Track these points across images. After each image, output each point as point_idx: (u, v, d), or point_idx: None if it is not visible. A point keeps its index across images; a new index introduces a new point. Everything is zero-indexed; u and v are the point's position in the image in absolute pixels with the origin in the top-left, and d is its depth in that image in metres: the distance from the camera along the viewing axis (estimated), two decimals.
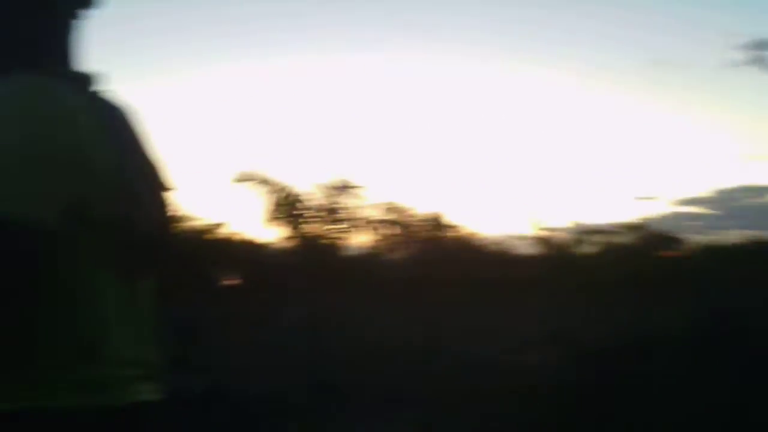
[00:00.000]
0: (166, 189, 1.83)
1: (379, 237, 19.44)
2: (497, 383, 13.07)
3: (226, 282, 33.96)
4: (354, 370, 16.00)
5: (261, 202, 17.23)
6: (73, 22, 1.79)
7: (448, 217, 24.05)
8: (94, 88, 1.72)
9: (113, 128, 1.71)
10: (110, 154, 1.64)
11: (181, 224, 20.46)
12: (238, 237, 25.69)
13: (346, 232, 18.43)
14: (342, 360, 17.11)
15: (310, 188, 17.74)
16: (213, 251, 23.61)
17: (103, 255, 1.63)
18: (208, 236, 23.43)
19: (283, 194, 17.12)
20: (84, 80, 1.72)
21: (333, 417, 10.64)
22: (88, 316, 1.61)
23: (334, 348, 17.71)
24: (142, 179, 1.75)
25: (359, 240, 19.21)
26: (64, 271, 1.54)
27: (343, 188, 17.64)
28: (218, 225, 23.67)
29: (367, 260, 25.60)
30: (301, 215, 17.47)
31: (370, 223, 18.87)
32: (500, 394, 11.72)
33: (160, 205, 1.82)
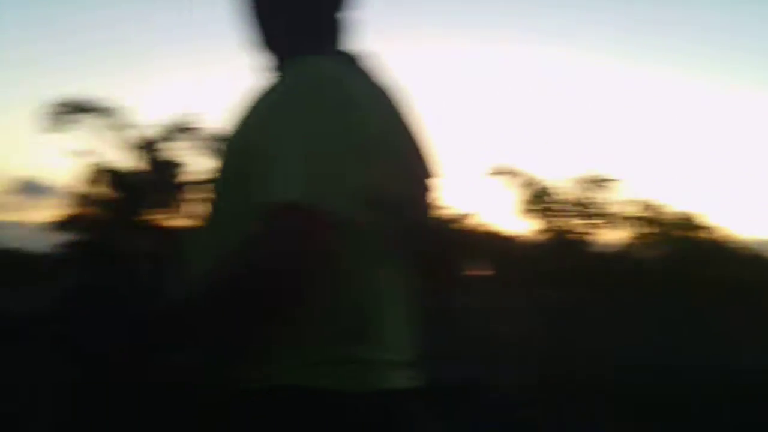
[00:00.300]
0: (432, 174, 1.82)
1: (631, 234, 19.20)
2: (752, 389, 12.62)
3: (475, 272, 34.43)
4: (595, 368, 15.85)
5: (512, 194, 17.50)
6: (342, 5, 1.82)
7: (703, 217, 23.34)
8: (370, 69, 1.73)
9: (394, 111, 1.74)
10: (395, 138, 1.68)
11: (442, 211, 20.99)
12: (488, 228, 26.10)
13: (597, 227, 18.34)
14: (586, 357, 16.99)
15: (562, 182, 17.83)
16: (464, 241, 24.03)
17: (381, 239, 1.63)
18: (459, 226, 23.88)
19: (535, 187, 17.25)
20: (361, 61, 1.74)
21: (577, 413, 10.61)
22: (361, 299, 1.62)
23: (579, 343, 17.60)
24: (417, 163, 1.78)
25: (610, 236, 19.06)
26: (348, 254, 1.54)
27: (596, 183, 17.56)
28: (469, 215, 24.13)
29: (617, 257, 25.27)
30: (552, 209, 17.54)
31: (623, 220, 18.65)
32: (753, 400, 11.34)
33: (428, 191, 1.83)
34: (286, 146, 1.51)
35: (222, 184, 1.73)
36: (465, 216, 23.87)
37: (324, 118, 1.52)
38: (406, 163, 1.72)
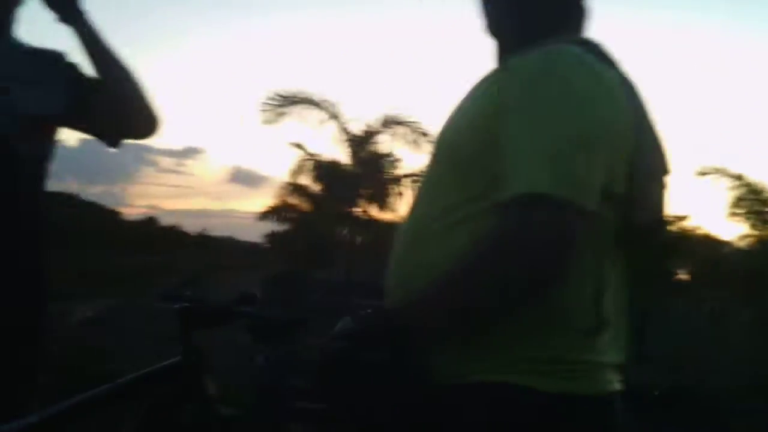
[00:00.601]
0: (666, 172, 1.75)
1: None
2: None
3: (681, 276, 33.17)
4: None
5: (724, 195, 16.89)
6: None
7: None
8: (612, 57, 1.67)
9: (638, 103, 1.69)
10: (639, 132, 1.63)
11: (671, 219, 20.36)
12: (696, 231, 25.17)
13: None
14: None
15: None
16: (671, 244, 23.33)
17: (611, 236, 1.59)
18: (673, 228, 23.18)
19: (747, 189, 16.60)
20: (603, 50, 1.68)
21: None
22: (591, 297, 1.56)
23: None
24: (654, 159, 1.72)
25: None
26: (584, 250, 1.48)
27: None
28: (679, 217, 23.36)
29: None
30: (764, 212, 16.83)
31: None
32: None
33: (662, 188, 1.76)
34: (532, 138, 1.46)
35: (436, 175, 1.70)
36: (679, 217, 23.17)
37: (573, 109, 1.48)
38: (646, 158, 1.66)
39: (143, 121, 2.66)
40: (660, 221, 1.77)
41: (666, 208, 1.78)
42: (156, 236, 52.63)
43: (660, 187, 1.74)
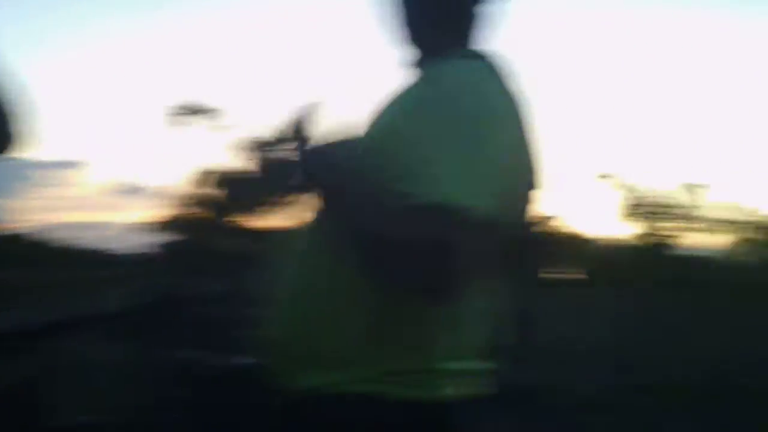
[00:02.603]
0: (539, 187, 1.76)
1: (723, 238, 18.80)
2: None
3: (567, 275, 34.05)
4: (671, 371, 15.48)
5: (610, 198, 17.34)
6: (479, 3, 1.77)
7: None
8: (504, 71, 1.66)
9: (521, 121, 1.67)
10: (519, 149, 1.64)
11: (541, 221, 20.81)
12: (580, 232, 25.77)
13: (690, 231, 18.01)
14: (664, 359, 16.60)
15: (660, 187, 17.56)
16: (556, 245, 23.82)
17: (493, 247, 1.57)
18: (552, 230, 23.68)
19: (635, 192, 17.05)
20: (497, 63, 1.68)
21: (649, 417, 10.41)
22: (450, 311, 1.56)
23: (660, 347, 17.21)
24: (529, 174, 1.72)
25: (703, 240, 18.69)
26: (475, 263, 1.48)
27: (695, 187, 17.27)
28: (558, 219, 23.85)
29: (709, 261, 24.69)
30: (651, 213, 17.30)
31: (716, 224, 18.28)
32: None
33: (530, 202, 1.76)
34: (426, 150, 1.46)
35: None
36: (557, 219, 23.66)
37: (461, 125, 1.48)
38: (524, 174, 1.67)
39: None
40: (528, 234, 1.81)
41: (533, 224, 1.79)
42: (22, 251, 50.92)
43: (530, 202, 1.73)
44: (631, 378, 13.43)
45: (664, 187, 17.24)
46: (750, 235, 19.33)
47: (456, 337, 1.59)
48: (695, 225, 17.52)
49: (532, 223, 1.81)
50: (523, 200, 1.70)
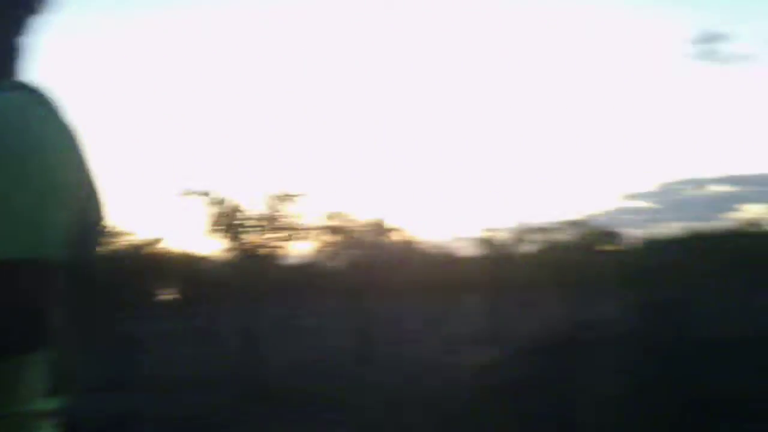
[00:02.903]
0: (102, 218, 1.67)
1: (321, 245, 19.33)
2: (438, 383, 13.07)
3: (166, 296, 33.57)
4: (291, 378, 15.96)
5: (201, 214, 16.99)
6: (20, 29, 1.67)
7: (390, 222, 24.08)
8: (50, 101, 1.55)
9: (74, 149, 1.57)
10: (76, 180, 1.54)
11: (117, 242, 20.17)
12: (177, 251, 25.44)
13: (287, 241, 18.25)
14: (279, 368, 17.04)
15: (249, 198, 17.57)
16: (152, 266, 23.30)
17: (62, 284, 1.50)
18: (148, 251, 23.11)
19: (223, 205, 16.87)
20: (42, 93, 1.56)
21: (268, 426, 10.55)
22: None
23: (272, 357, 17.62)
24: (88, 210, 1.61)
25: (301, 249, 19.07)
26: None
27: (284, 197, 17.47)
28: (157, 239, 23.40)
29: (308, 268, 25.48)
30: (240, 226, 17.24)
31: (311, 232, 18.75)
32: (441, 394, 11.67)
33: (98, 235, 1.68)
34: None
35: None
36: (154, 240, 23.13)
37: (10, 162, 1.37)
38: (87, 208, 1.57)
39: None
40: (94, 266, 1.68)
41: (100, 254, 1.73)
42: None
43: (97, 235, 1.65)
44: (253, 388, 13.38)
45: (255, 198, 17.22)
46: (347, 237, 20.01)
47: (27, 379, 1.50)
48: (291, 234, 17.72)
49: (100, 257, 1.81)
50: (93, 232, 1.64)
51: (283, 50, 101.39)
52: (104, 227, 1.70)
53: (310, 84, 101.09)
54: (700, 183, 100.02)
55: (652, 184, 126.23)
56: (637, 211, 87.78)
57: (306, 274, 28.73)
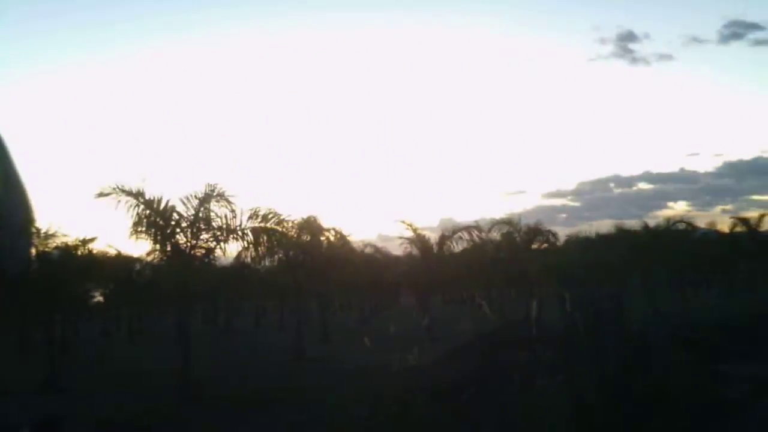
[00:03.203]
0: (31, 223, 1.71)
1: (250, 244, 19.24)
2: (372, 382, 13.15)
3: (96, 297, 33.09)
4: (224, 378, 15.88)
5: (128, 215, 16.72)
6: None
7: (320, 221, 24.05)
8: None
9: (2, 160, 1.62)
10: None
11: (45, 239, 19.81)
12: (110, 252, 25.11)
13: (216, 241, 18.11)
14: (212, 368, 16.95)
15: (178, 199, 17.37)
16: (85, 267, 22.93)
17: None
18: (76, 252, 22.73)
19: (150, 206, 16.64)
20: None
21: (200, 424, 10.52)
22: None
23: (205, 357, 17.50)
24: (12, 219, 1.63)
25: (230, 249, 18.96)
26: None
27: (211, 197, 17.31)
28: (90, 240, 23.03)
29: (238, 268, 25.36)
30: (169, 227, 17.03)
31: (240, 231, 18.63)
32: (375, 393, 11.76)
33: (27, 242, 1.73)
34: None
35: None
36: (83, 242, 22.79)
37: None
38: (14, 214, 1.59)
39: None
40: (28, 268, 1.62)
41: (31, 255, 1.61)
42: None
43: (28, 239, 1.75)
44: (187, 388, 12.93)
45: (182, 198, 16.94)
46: (277, 238, 19.96)
47: None
48: (220, 234, 17.60)
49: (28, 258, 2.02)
50: (24, 235, 1.69)
51: (218, 45, 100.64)
52: (27, 226, 1.71)
53: (244, 82, 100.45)
54: (620, 181, 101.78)
55: (572, 183, 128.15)
56: (558, 209, 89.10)
57: (235, 274, 28.53)
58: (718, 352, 12.10)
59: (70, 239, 21.92)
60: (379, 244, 35.14)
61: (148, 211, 16.12)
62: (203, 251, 17.13)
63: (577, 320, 16.46)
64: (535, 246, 27.27)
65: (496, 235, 27.02)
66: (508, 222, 26.92)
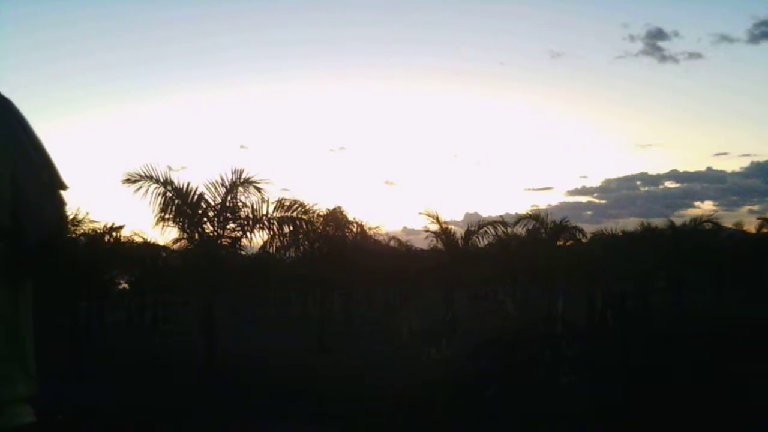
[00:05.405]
0: (59, 187, 1.69)
1: (276, 234, 19.23)
2: (395, 374, 13.17)
3: (123, 284, 33.27)
4: (248, 369, 15.88)
5: (156, 202, 16.73)
6: None
7: (345, 213, 24.05)
8: None
9: (11, 124, 1.59)
10: (15, 158, 1.55)
11: (74, 226, 19.89)
12: (134, 238, 25.18)
13: (242, 231, 18.13)
14: (238, 357, 16.97)
15: (206, 187, 17.38)
16: (109, 253, 23.04)
17: None
18: (105, 238, 22.83)
19: (180, 194, 16.65)
20: None
21: (226, 414, 10.55)
22: None
23: (231, 346, 17.53)
24: (32, 180, 1.61)
25: (257, 238, 18.98)
26: None
27: (240, 185, 17.31)
28: (115, 227, 23.11)
29: (264, 258, 25.39)
30: (196, 215, 17.06)
31: (266, 221, 18.61)
32: (398, 386, 11.74)
33: (53, 205, 1.67)
34: None
35: None
36: (112, 228, 22.87)
37: None
38: (33, 177, 1.56)
39: None
40: (58, 235, 1.67)
41: (64, 221, 1.75)
42: None
43: (55, 202, 1.64)
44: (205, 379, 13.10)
45: (210, 185, 16.92)
46: (304, 228, 19.96)
47: None
48: (248, 223, 17.63)
49: (64, 228, 1.79)
50: (50, 200, 1.64)
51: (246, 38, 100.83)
52: (53, 188, 1.68)
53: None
54: (647, 179, 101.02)
55: (597, 180, 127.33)
56: (583, 206, 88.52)
57: (261, 264, 28.58)
58: (743, 352, 12.02)
59: (98, 225, 21.99)
60: (404, 238, 35.04)
61: (176, 200, 16.14)
62: (230, 240, 17.15)
63: (603, 318, 16.36)
64: (560, 243, 27.09)
65: (521, 230, 26.91)
66: (534, 217, 26.75)
